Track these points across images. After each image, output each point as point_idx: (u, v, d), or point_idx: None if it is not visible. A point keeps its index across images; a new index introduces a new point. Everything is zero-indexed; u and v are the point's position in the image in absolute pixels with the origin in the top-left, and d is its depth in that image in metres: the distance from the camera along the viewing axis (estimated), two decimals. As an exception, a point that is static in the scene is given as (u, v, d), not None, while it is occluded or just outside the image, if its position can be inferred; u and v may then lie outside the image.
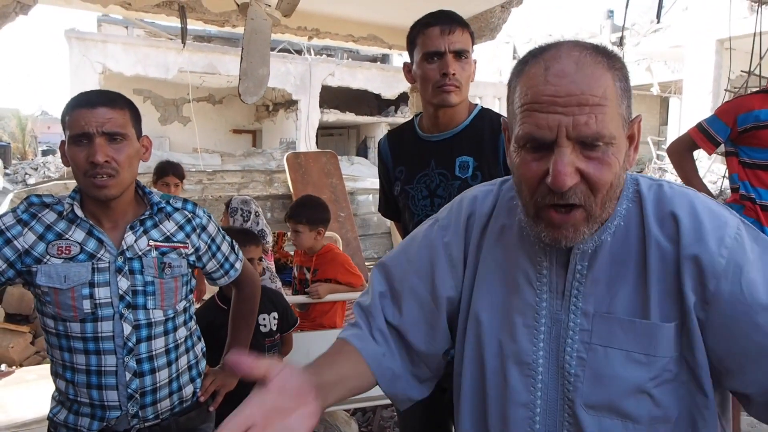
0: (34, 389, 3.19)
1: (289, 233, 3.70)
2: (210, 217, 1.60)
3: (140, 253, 1.42)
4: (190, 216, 1.54)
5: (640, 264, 0.86)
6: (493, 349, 0.94)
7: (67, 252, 1.37)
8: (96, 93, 1.39)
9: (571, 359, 0.87)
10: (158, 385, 1.46)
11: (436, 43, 1.64)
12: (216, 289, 2.13)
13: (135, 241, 1.43)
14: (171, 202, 1.53)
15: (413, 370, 1.02)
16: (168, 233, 1.49)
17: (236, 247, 1.69)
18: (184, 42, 3.65)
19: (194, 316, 1.61)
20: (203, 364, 1.63)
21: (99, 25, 15.82)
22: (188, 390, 1.55)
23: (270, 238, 3.63)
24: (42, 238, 1.37)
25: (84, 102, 1.35)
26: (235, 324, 1.78)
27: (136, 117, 1.43)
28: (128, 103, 1.42)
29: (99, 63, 12.44)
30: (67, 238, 1.38)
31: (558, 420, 0.89)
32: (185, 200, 1.57)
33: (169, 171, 3.45)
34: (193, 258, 1.54)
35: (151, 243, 1.45)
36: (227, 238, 1.65)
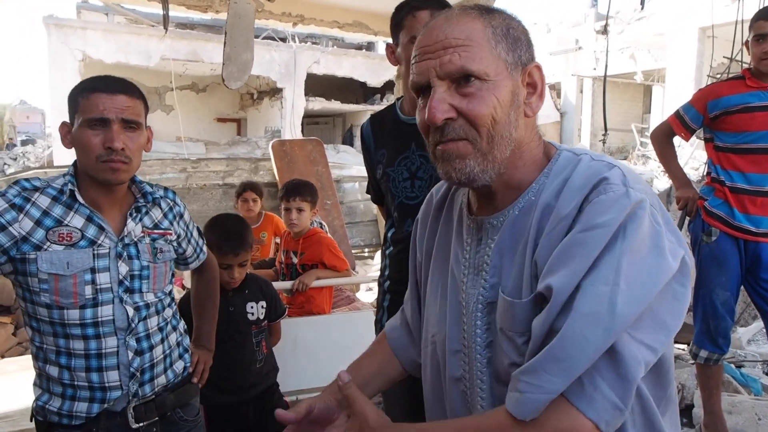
0: (16, 380, 3.15)
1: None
2: (185, 206, 1.70)
3: (136, 239, 1.48)
4: (171, 204, 1.62)
5: (531, 237, 0.84)
6: (430, 323, 1.02)
7: (68, 239, 1.37)
8: (114, 79, 1.44)
9: (480, 332, 0.90)
10: (155, 361, 1.51)
11: None
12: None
13: (134, 228, 1.48)
14: (155, 190, 1.59)
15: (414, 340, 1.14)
16: (156, 220, 1.56)
17: (200, 231, 1.80)
18: (166, 28, 3.59)
19: (174, 298, 1.68)
20: (187, 340, 1.71)
21: (78, 11, 15.52)
22: (179, 365, 1.62)
23: None
24: (40, 224, 1.36)
25: (103, 86, 1.38)
26: (202, 304, 1.87)
27: (146, 107, 1.49)
28: (141, 93, 1.48)
29: (79, 50, 12.22)
30: (67, 225, 1.38)
31: (488, 393, 0.90)
32: (166, 188, 1.64)
33: (248, 188, 4.19)
34: (176, 244, 1.62)
35: (145, 230, 1.51)
36: (194, 223, 1.75)
